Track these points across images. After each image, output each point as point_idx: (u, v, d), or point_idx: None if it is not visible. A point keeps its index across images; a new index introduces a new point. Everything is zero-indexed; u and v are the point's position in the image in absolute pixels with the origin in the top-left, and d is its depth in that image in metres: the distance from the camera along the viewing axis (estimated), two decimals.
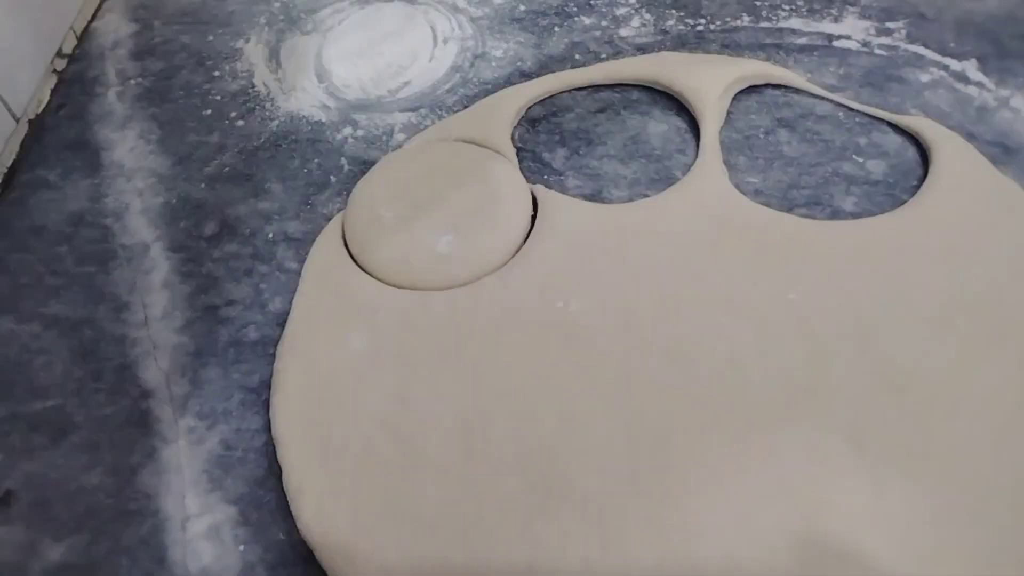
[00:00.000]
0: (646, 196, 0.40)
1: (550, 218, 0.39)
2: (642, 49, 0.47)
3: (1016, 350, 0.32)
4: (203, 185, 0.44)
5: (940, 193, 0.37)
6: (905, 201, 0.38)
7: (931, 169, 0.38)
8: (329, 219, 0.41)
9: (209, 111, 0.48)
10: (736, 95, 0.44)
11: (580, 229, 0.39)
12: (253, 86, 0.49)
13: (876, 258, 0.35)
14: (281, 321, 0.38)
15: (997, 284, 0.34)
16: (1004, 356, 0.32)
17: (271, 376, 0.36)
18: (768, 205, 0.39)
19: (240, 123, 0.47)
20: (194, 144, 0.46)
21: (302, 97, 0.48)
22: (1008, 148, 0.40)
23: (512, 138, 0.44)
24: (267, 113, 0.47)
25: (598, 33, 0.49)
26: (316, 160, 0.45)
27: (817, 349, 0.34)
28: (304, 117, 0.47)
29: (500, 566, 0.30)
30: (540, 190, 0.40)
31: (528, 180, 0.41)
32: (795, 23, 0.47)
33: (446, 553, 0.31)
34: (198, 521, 0.33)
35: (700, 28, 0.48)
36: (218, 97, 0.48)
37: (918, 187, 0.38)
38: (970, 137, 0.40)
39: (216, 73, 0.50)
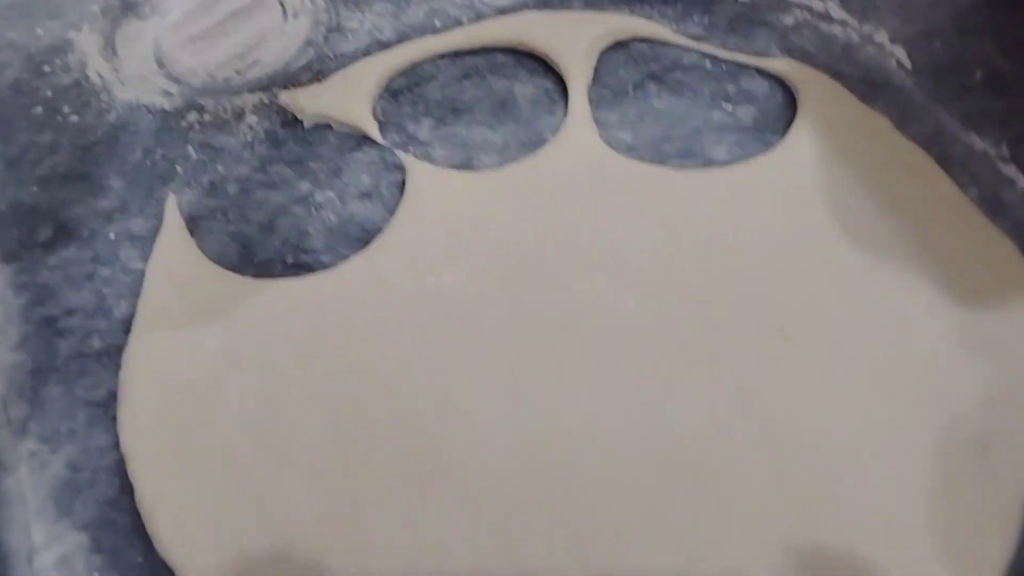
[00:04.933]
0: (517, 161, 0.38)
1: (418, 188, 0.37)
2: (504, 11, 0.45)
3: (895, 281, 0.32)
4: (35, 188, 0.40)
5: (808, 133, 0.36)
6: (776, 144, 0.37)
7: (799, 111, 0.37)
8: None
9: (40, 109, 0.43)
10: (603, 51, 0.42)
11: (450, 199, 0.36)
12: (87, 78, 0.45)
13: (751, 202, 0.34)
14: (127, 327, 0.35)
15: (871, 216, 0.33)
16: (884, 289, 0.32)
17: (118, 387, 0.33)
18: (641, 160, 0.38)
19: (74, 119, 0.43)
20: (24, 145, 0.42)
21: (141, 86, 0.44)
22: (875, 83, 0.39)
23: (374, 112, 0.41)
24: (103, 105, 0.43)
25: None
26: (160, 151, 0.41)
27: (700, 302, 0.32)
28: (144, 106, 0.43)
29: (382, 568, 0.28)
30: (410, 159, 0.38)
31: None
32: None
33: (325, 561, 0.28)
34: (46, 553, 0.30)
35: None
36: (49, 93, 0.44)
37: (788, 129, 0.38)
38: (837, 76, 0.40)
39: (46, 68, 0.46)
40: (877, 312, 0.31)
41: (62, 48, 0.47)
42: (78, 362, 0.34)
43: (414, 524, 0.28)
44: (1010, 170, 0.36)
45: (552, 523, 0.28)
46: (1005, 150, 0.37)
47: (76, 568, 0.30)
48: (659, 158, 0.38)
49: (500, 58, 0.43)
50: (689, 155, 0.38)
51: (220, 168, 0.40)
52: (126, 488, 0.31)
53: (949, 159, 0.37)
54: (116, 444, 0.32)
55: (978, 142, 0.37)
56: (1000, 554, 0.27)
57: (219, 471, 0.30)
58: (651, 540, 0.28)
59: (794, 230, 0.34)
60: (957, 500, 0.28)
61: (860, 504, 0.28)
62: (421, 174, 0.37)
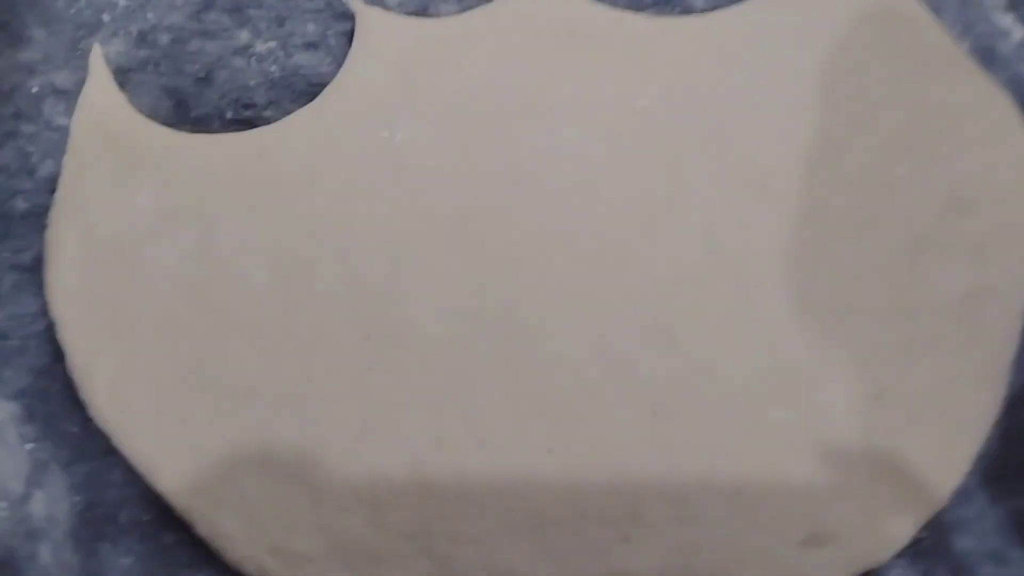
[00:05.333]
0: (479, 7, 0.35)
1: (369, 37, 0.33)
2: None
3: (883, 128, 0.30)
4: None
5: None
6: None
7: None
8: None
9: None
10: None
11: (405, 47, 0.33)
12: None
13: (728, 53, 0.32)
14: (53, 186, 0.32)
15: (855, 67, 0.31)
16: (872, 136, 0.30)
17: (45, 248, 0.30)
18: (615, 6, 0.35)
19: None
20: None
21: None
22: None
23: None
24: None
25: None
26: None
27: (671, 156, 0.30)
28: None
29: (333, 430, 0.26)
30: (358, 5, 0.35)
31: None
32: None
33: (270, 423, 0.26)
34: None
35: None
36: None
37: None
38: None
39: None
40: (860, 163, 0.29)
41: None
42: (2, 224, 0.32)
43: (366, 386, 0.27)
44: (1007, 20, 0.34)
45: (513, 381, 0.26)
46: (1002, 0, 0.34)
47: (8, 439, 0.28)
48: (635, 6, 0.35)
49: None
50: (667, 3, 0.35)
51: (150, 16, 0.37)
52: (58, 355, 0.29)
53: (941, 8, 0.34)
54: (45, 309, 0.30)
55: None
56: (985, 414, 0.26)
57: (156, 334, 0.28)
58: (617, 396, 0.26)
59: (771, 80, 0.31)
60: (943, 358, 0.26)
61: (834, 360, 0.26)
62: (372, 21, 0.34)
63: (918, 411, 0.26)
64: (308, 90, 0.34)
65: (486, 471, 0.26)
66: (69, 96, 0.35)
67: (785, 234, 0.29)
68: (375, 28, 0.34)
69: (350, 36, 0.35)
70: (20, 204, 0.32)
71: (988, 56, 0.33)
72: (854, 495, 0.25)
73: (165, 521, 0.27)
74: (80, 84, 0.35)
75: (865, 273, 0.28)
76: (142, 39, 0.36)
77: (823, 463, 0.25)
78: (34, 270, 0.31)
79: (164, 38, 0.36)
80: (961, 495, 0.26)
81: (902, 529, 0.25)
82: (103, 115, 0.32)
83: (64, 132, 0.34)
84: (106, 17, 0.37)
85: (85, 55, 0.36)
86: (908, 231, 0.28)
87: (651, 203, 0.29)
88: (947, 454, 0.25)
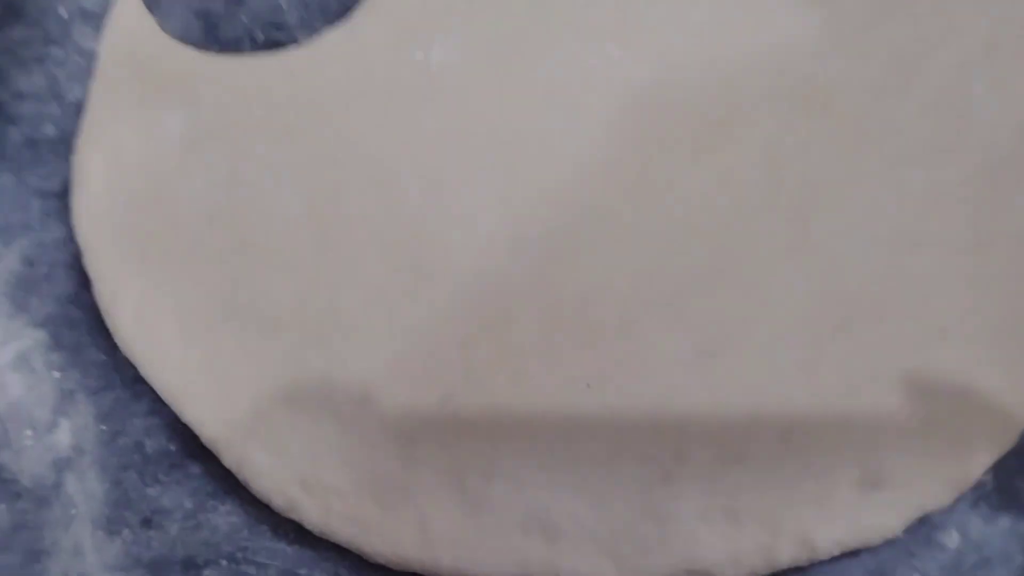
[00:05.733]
0: None
1: None
2: None
3: (959, 44, 0.27)
4: None
5: None
6: None
7: None
8: None
9: None
10: None
11: None
12: None
13: None
14: (82, 111, 0.31)
15: None
16: (947, 52, 0.27)
17: (71, 174, 0.29)
18: None
19: None
20: None
21: None
22: None
23: None
24: None
25: None
26: None
27: (725, 74, 0.28)
28: None
29: (362, 363, 0.25)
30: None
31: None
32: None
33: (300, 355, 0.26)
34: (2, 350, 0.28)
35: None
36: None
37: None
38: None
39: None
40: (934, 81, 0.27)
41: None
42: (30, 150, 0.31)
43: (400, 317, 0.26)
44: None
45: (549, 315, 0.25)
46: None
47: (35, 366, 0.28)
48: None
49: None
50: None
51: None
52: (84, 283, 0.28)
53: None
54: (72, 237, 0.29)
55: None
56: None
57: (183, 262, 0.27)
58: (660, 331, 0.25)
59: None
60: (1014, 292, 0.24)
61: (897, 293, 0.24)
62: None
63: (986, 347, 0.24)
64: (340, 9, 0.33)
65: (520, 406, 0.24)
66: (97, 19, 0.34)
67: (848, 159, 0.26)
68: None
69: None
70: (49, 130, 0.32)
71: None
72: (914, 435, 0.23)
73: (192, 451, 0.26)
74: (109, 7, 0.34)
75: (935, 201, 0.26)
76: None
77: (880, 402, 0.23)
78: (62, 197, 0.30)
79: None
80: None
81: (965, 471, 0.23)
82: (131, 39, 0.31)
83: (93, 56, 0.33)
84: None
85: None
86: (983, 155, 0.26)
87: (703, 126, 0.28)
88: (1017, 392, 0.23)
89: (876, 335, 0.24)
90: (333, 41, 0.31)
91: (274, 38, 0.33)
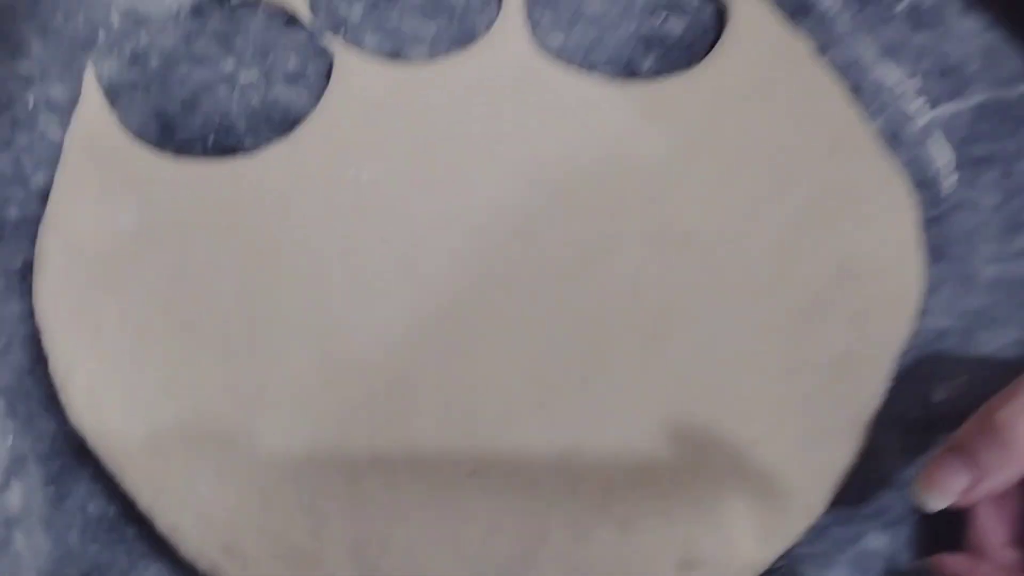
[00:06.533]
0: (447, 56, 0.38)
1: (345, 81, 0.37)
2: None
3: (793, 201, 0.34)
4: None
5: (732, 52, 0.37)
6: (701, 61, 0.38)
7: (726, 28, 0.38)
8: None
9: None
10: None
11: (377, 90, 0.37)
12: None
13: (668, 119, 0.35)
14: (45, 197, 0.35)
15: (773, 145, 0.35)
16: (783, 207, 0.33)
17: (34, 257, 0.33)
18: (569, 64, 0.38)
19: None
20: None
21: None
22: (804, 5, 0.40)
23: None
24: None
25: None
26: (82, 15, 0.40)
27: (607, 211, 0.34)
28: None
29: (283, 443, 0.30)
30: (339, 46, 0.38)
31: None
32: None
33: (228, 432, 0.30)
34: None
35: None
36: None
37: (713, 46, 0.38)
38: None
39: None
40: (769, 231, 0.33)
41: None
42: None
43: (317, 404, 0.30)
44: (914, 106, 0.38)
45: (444, 406, 0.30)
46: (916, 84, 0.38)
47: None
48: (588, 64, 0.38)
49: None
50: (616, 63, 0.39)
51: (143, 38, 0.39)
52: (40, 358, 0.32)
53: (862, 89, 0.38)
54: (31, 313, 0.33)
55: (892, 73, 0.38)
56: (842, 464, 0.30)
57: (131, 345, 0.31)
58: (539, 422, 0.30)
59: (706, 149, 0.35)
60: (814, 413, 0.31)
61: (724, 407, 0.30)
62: (349, 63, 0.37)
63: (786, 458, 0.30)
64: (285, 121, 0.37)
65: (415, 489, 0.29)
66: (63, 110, 0.37)
67: (700, 291, 0.32)
68: (351, 73, 0.37)
69: (328, 71, 0.38)
70: (13, 212, 0.35)
71: (895, 137, 0.37)
72: (724, 527, 0.29)
73: (129, 516, 0.30)
74: (73, 100, 0.38)
75: (763, 332, 0.32)
76: (134, 59, 0.39)
77: (701, 497, 0.29)
78: (23, 275, 0.34)
79: (155, 61, 0.39)
80: (814, 532, 0.30)
81: (762, 557, 0.29)
82: (94, 135, 0.35)
83: (56, 146, 0.36)
84: (101, 35, 0.40)
85: (80, 71, 0.38)
86: (803, 296, 0.32)
87: (584, 254, 0.33)
88: (806, 497, 0.29)
89: (704, 440, 0.30)
90: (277, 153, 0.35)
91: (224, 143, 0.37)
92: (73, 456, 0.31)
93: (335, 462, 0.30)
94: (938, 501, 0.27)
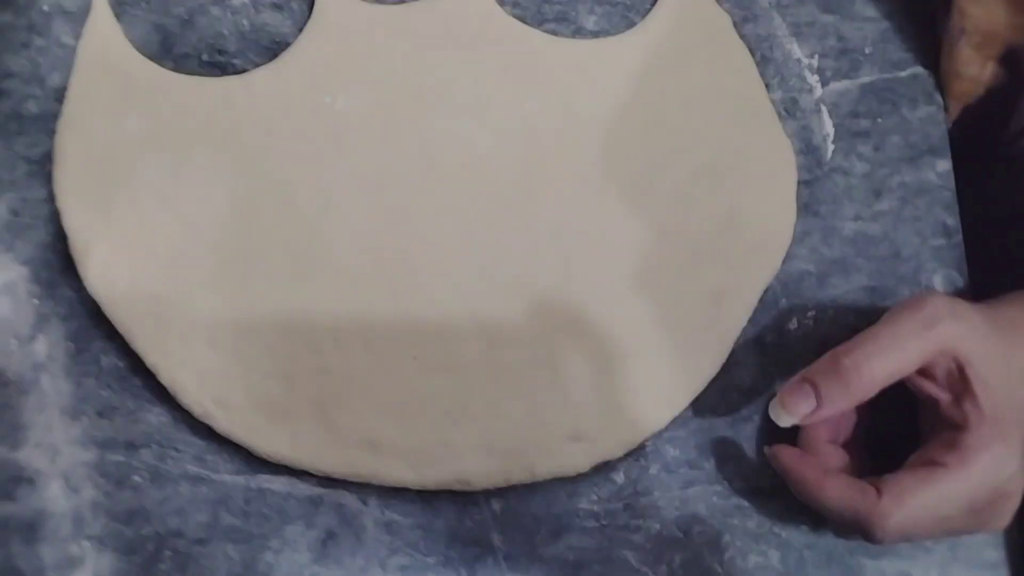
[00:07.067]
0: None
1: (324, 15, 0.42)
2: None
3: (696, 157, 0.40)
4: None
5: (664, 18, 0.43)
6: (637, 23, 0.44)
7: None
8: None
9: None
10: None
11: (352, 27, 0.42)
12: None
13: (598, 77, 0.42)
14: (59, 96, 0.40)
15: (682, 106, 0.41)
16: (686, 161, 0.40)
17: (52, 150, 0.39)
18: (523, 18, 0.44)
19: None
20: None
21: None
22: None
23: None
24: None
25: None
26: None
27: (540, 151, 0.41)
28: None
29: (264, 320, 0.37)
30: None
31: None
32: None
33: (219, 307, 0.37)
34: None
35: None
36: None
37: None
38: None
39: None
40: (670, 182, 0.40)
41: None
42: (16, 122, 0.40)
43: (290, 292, 0.38)
44: (812, 79, 0.44)
45: (393, 307, 0.38)
46: (816, 61, 0.45)
47: (19, 293, 0.38)
48: (538, 19, 0.44)
49: None
50: (563, 20, 0.44)
51: None
52: (60, 235, 0.38)
53: (770, 60, 0.44)
54: (51, 197, 0.39)
55: (798, 49, 0.45)
56: (707, 372, 0.39)
57: (137, 227, 0.38)
58: (471, 321, 0.38)
59: (625, 107, 0.41)
60: (691, 329, 0.39)
61: (619, 320, 0.38)
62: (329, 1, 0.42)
63: (664, 362, 0.38)
64: (271, 46, 0.43)
65: (370, 366, 0.37)
66: (74, 18, 0.42)
67: (609, 229, 0.40)
68: (331, 6, 0.42)
69: (311, 2, 0.43)
70: (32, 107, 0.41)
71: (792, 106, 0.44)
72: (608, 411, 0.37)
73: (137, 368, 0.37)
74: (83, 8, 0.42)
75: (657, 265, 0.39)
76: None
77: (592, 385, 0.37)
78: (42, 163, 0.40)
79: None
80: (678, 421, 0.39)
81: (632, 437, 0.37)
82: (103, 45, 0.41)
83: (69, 50, 0.42)
84: None
85: None
86: (694, 239, 0.40)
87: (517, 185, 0.40)
88: (677, 394, 0.38)
89: (601, 341, 0.38)
90: (262, 76, 0.41)
91: (216, 60, 0.42)
92: (89, 318, 0.38)
93: (305, 338, 0.37)
94: (787, 420, 0.35)
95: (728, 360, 0.39)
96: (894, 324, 0.34)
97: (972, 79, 0.42)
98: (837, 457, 0.37)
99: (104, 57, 0.40)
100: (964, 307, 0.35)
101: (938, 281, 0.42)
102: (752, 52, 0.44)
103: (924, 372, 0.34)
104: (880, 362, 0.33)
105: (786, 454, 0.36)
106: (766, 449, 0.38)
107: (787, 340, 0.41)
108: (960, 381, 0.34)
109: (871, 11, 0.46)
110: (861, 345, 0.34)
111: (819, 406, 0.34)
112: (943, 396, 0.34)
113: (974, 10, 0.39)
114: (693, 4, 0.44)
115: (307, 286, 0.38)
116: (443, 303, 0.38)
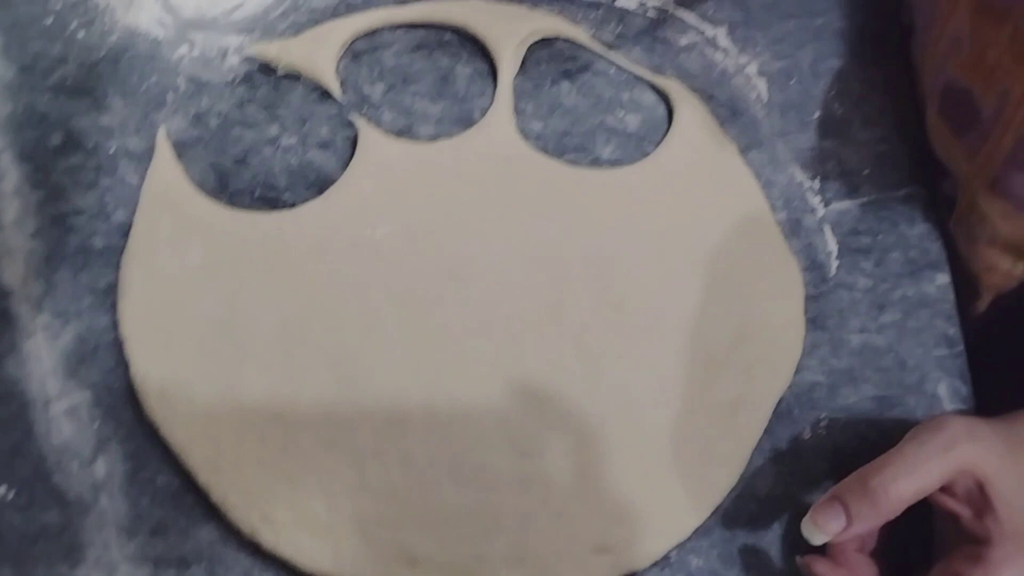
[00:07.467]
0: (450, 134, 0.48)
1: (366, 152, 0.46)
2: None
3: (707, 275, 0.43)
4: (46, 96, 0.48)
5: (672, 149, 0.47)
6: (650, 153, 0.48)
7: (671, 128, 0.48)
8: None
9: (50, 20, 0.50)
10: (532, 45, 0.51)
11: (392, 164, 0.46)
12: None
13: (615, 203, 0.45)
14: (124, 231, 0.44)
15: (702, 225, 0.44)
16: (698, 279, 0.43)
17: (116, 282, 0.43)
18: (544, 149, 0.48)
19: (81, 34, 0.50)
20: (36, 54, 0.49)
21: (140, 12, 0.51)
22: (736, 111, 0.49)
23: (337, 69, 0.50)
24: (106, 26, 0.50)
25: None
26: (154, 78, 0.49)
27: (564, 274, 0.44)
28: (142, 33, 0.50)
29: (309, 440, 0.40)
30: (362, 123, 0.47)
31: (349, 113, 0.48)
32: None
33: (268, 430, 0.40)
34: (58, 403, 0.41)
35: None
36: (58, 7, 0.51)
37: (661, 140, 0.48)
38: (709, 99, 0.49)
39: None
40: (689, 300, 0.43)
41: None
42: (83, 255, 0.44)
43: (332, 411, 0.40)
44: (815, 201, 0.48)
45: (430, 422, 0.40)
46: (817, 183, 0.48)
47: (81, 417, 0.41)
48: (559, 150, 0.48)
49: (448, 36, 0.52)
50: (582, 150, 0.48)
51: (204, 101, 0.49)
52: (122, 362, 0.41)
53: (774, 184, 0.48)
54: (114, 326, 0.42)
55: (798, 173, 0.48)
56: (726, 482, 0.41)
57: (194, 355, 0.41)
58: (501, 437, 0.41)
59: (643, 232, 0.45)
60: (708, 440, 0.41)
61: (638, 433, 0.41)
62: (370, 139, 0.46)
63: (684, 475, 0.40)
64: (317, 182, 0.47)
65: (406, 477, 0.40)
66: (139, 159, 0.47)
67: (626, 346, 0.42)
68: (371, 146, 0.46)
69: (354, 141, 0.48)
70: (98, 242, 0.44)
71: (796, 225, 0.47)
72: (632, 524, 0.39)
73: (189, 487, 0.40)
74: (147, 150, 0.47)
75: (673, 379, 0.42)
76: (197, 120, 0.48)
77: (618, 499, 0.39)
78: (107, 294, 0.43)
79: (214, 121, 0.48)
80: (701, 531, 0.41)
81: (657, 548, 0.39)
82: (166, 184, 0.45)
83: (133, 189, 0.46)
84: (170, 97, 0.49)
85: (152, 126, 0.48)
86: (707, 352, 0.42)
87: (543, 305, 0.43)
88: (695, 506, 0.40)
89: (623, 455, 0.40)
90: (311, 210, 0.45)
91: (268, 196, 0.46)
92: (146, 439, 0.40)
93: (346, 455, 0.40)
94: (820, 538, 0.37)
95: (746, 470, 0.41)
96: (917, 446, 0.36)
97: (1005, 274, 0.43)
98: (866, 567, 0.39)
99: (166, 195, 0.45)
100: (981, 427, 0.37)
101: (943, 390, 0.44)
102: (757, 176, 0.47)
103: (945, 489, 0.36)
104: (905, 482, 0.36)
105: (819, 565, 0.38)
106: (798, 559, 0.39)
107: (802, 449, 0.43)
108: (980, 498, 0.36)
109: (867, 135, 0.49)
110: (887, 466, 0.36)
111: (849, 524, 0.36)
112: (964, 512, 0.36)
113: (1005, 227, 0.41)
114: (701, 134, 0.48)
115: (348, 404, 0.41)
116: (475, 417, 0.41)
